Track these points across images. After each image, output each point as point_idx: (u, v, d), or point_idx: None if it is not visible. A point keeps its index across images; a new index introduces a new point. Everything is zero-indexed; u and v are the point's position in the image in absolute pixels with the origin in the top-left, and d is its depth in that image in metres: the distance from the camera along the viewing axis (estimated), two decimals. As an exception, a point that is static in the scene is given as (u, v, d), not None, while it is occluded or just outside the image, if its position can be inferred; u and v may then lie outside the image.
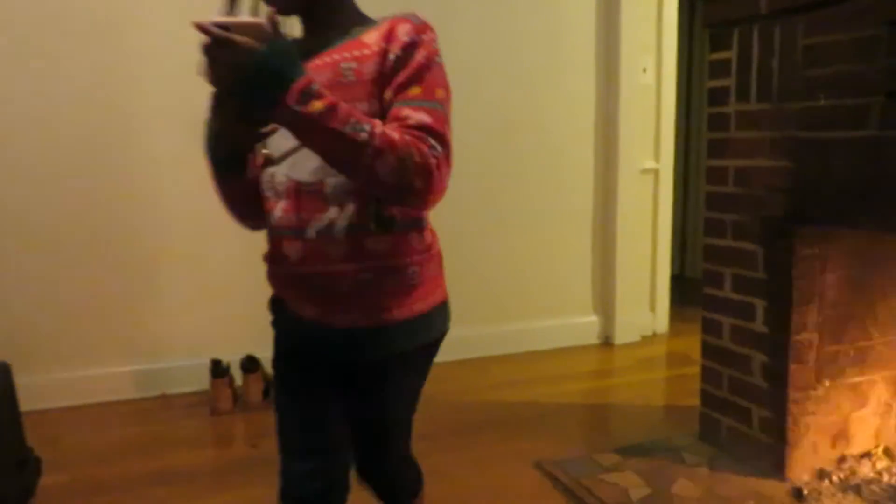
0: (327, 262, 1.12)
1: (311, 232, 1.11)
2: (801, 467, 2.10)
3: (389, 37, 1.09)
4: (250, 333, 2.98)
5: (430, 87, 1.09)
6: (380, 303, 1.16)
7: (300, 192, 1.12)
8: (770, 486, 2.06)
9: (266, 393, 2.87)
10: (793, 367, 2.07)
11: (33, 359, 2.68)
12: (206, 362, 2.82)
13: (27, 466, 2.17)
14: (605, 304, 3.72)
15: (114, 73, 2.75)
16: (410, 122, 1.05)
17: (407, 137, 1.02)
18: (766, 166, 2.12)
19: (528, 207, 3.50)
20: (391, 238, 1.14)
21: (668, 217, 3.86)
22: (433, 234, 1.27)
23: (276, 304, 1.30)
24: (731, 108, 2.23)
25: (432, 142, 1.05)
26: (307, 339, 1.24)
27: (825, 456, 2.13)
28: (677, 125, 3.90)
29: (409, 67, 1.08)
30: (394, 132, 1.02)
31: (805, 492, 2.00)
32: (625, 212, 3.65)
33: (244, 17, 0.95)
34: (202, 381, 2.85)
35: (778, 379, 2.10)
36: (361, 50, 1.10)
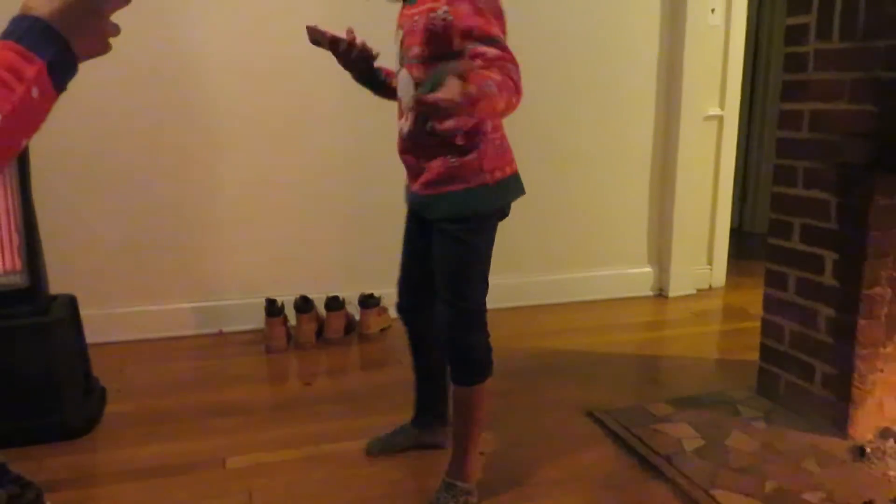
0: (404, 151, 1.70)
1: (401, 131, 1.69)
2: (864, 425, 2.03)
3: None
4: (304, 274, 3.03)
5: (487, 28, 1.47)
6: (430, 181, 1.64)
7: (399, 104, 1.71)
8: (830, 443, 2.00)
9: (319, 333, 2.92)
10: (862, 322, 1.98)
11: (99, 293, 2.78)
12: (262, 301, 2.88)
13: (93, 395, 2.27)
14: (660, 255, 3.63)
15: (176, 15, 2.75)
16: (489, 55, 1.43)
17: (499, 77, 1.39)
18: (846, 110, 1.99)
19: (585, 154, 3.41)
20: (437, 141, 1.58)
21: (730, 167, 3.70)
22: (484, 136, 1.64)
23: None
24: (811, 46, 2.09)
25: (510, 66, 1.44)
26: (408, 201, 1.81)
27: (891, 415, 2.05)
28: (744, 68, 3.71)
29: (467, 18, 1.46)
30: (495, 74, 1.38)
31: (868, 450, 1.94)
32: (685, 160, 3.51)
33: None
34: (258, 320, 2.91)
35: (845, 334, 2.02)
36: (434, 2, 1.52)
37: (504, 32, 1.51)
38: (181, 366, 2.71)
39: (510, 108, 1.43)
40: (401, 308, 1.94)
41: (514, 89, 1.41)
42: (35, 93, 0.68)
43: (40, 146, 1.64)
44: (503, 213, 1.75)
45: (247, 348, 2.87)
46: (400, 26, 1.66)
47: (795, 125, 2.17)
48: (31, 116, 0.69)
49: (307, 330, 2.88)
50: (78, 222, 2.79)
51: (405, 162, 1.71)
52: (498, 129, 1.69)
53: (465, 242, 1.66)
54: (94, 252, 2.83)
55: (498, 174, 1.67)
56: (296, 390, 2.53)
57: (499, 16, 1.51)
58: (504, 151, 1.72)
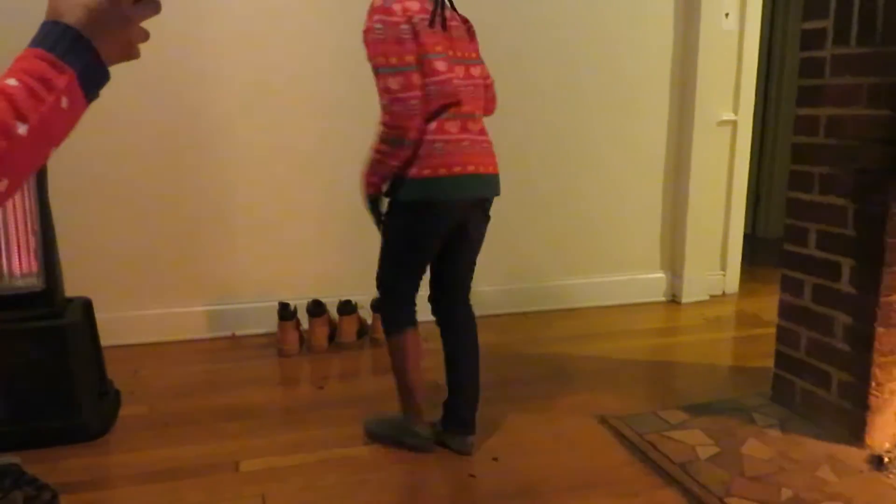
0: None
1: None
2: (882, 435, 2.01)
3: None
4: (317, 278, 3.04)
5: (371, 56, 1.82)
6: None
7: None
8: (847, 452, 1.98)
9: (331, 338, 2.93)
10: (880, 330, 1.96)
11: (113, 296, 2.80)
12: (275, 305, 2.88)
13: (108, 397, 2.29)
14: (673, 261, 3.61)
15: (188, 26, 2.77)
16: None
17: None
18: (863, 115, 1.97)
19: (598, 160, 3.40)
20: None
21: (744, 172, 3.68)
22: (420, 138, 1.85)
23: None
24: (827, 51, 2.07)
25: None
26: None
27: (909, 424, 2.03)
28: (759, 72, 3.69)
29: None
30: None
31: (886, 459, 1.91)
32: (699, 165, 3.50)
33: None
34: (271, 324, 2.92)
35: (862, 342, 2.00)
36: None
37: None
38: (194, 369, 2.72)
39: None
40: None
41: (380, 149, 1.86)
42: (65, 103, 0.68)
43: (57, 150, 1.65)
44: (425, 205, 1.90)
45: (260, 352, 2.88)
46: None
47: (812, 130, 2.16)
48: (60, 126, 0.69)
49: (320, 334, 2.88)
50: (93, 225, 2.81)
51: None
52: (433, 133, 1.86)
53: (384, 224, 1.98)
54: (109, 255, 2.85)
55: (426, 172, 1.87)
56: (309, 394, 2.53)
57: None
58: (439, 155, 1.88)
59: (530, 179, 3.30)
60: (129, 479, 1.94)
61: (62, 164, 2.24)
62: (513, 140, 3.24)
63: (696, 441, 2.07)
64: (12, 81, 0.66)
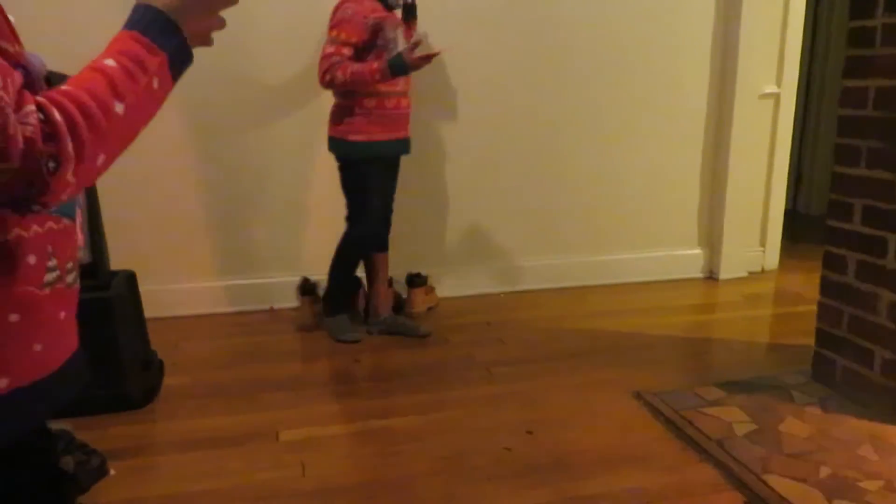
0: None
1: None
2: (926, 414, 1.97)
3: None
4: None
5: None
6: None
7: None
8: (889, 431, 1.95)
9: (367, 312, 2.96)
10: (927, 307, 1.92)
11: (156, 269, 2.86)
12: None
13: (152, 368, 2.35)
14: (711, 236, 3.55)
15: None
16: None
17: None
18: (915, 86, 1.91)
19: (636, 133, 3.35)
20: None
21: (786, 147, 3.59)
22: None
23: None
24: (878, 20, 2.00)
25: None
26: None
27: (955, 403, 1.99)
28: (804, 43, 3.57)
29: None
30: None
31: (930, 439, 1.88)
32: (739, 139, 3.42)
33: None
34: (306, 298, 2.96)
35: (908, 319, 1.95)
36: None
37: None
38: (234, 341, 2.78)
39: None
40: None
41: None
42: (156, 84, 0.71)
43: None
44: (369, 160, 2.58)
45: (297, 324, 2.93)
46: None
47: (860, 102, 2.09)
48: (151, 106, 0.73)
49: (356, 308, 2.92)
50: (137, 200, 2.87)
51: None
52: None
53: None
54: (152, 229, 2.91)
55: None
56: (346, 367, 2.57)
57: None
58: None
59: (567, 153, 3.27)
60: (172, 446, 2.01)
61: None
62: (549, 114, 3.21)
63: (733, 418, 2.05)
64: (110, 62, 0.68)
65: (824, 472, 1.77)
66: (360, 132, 2.53)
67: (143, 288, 2.37)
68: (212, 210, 2.97)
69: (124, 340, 2.19)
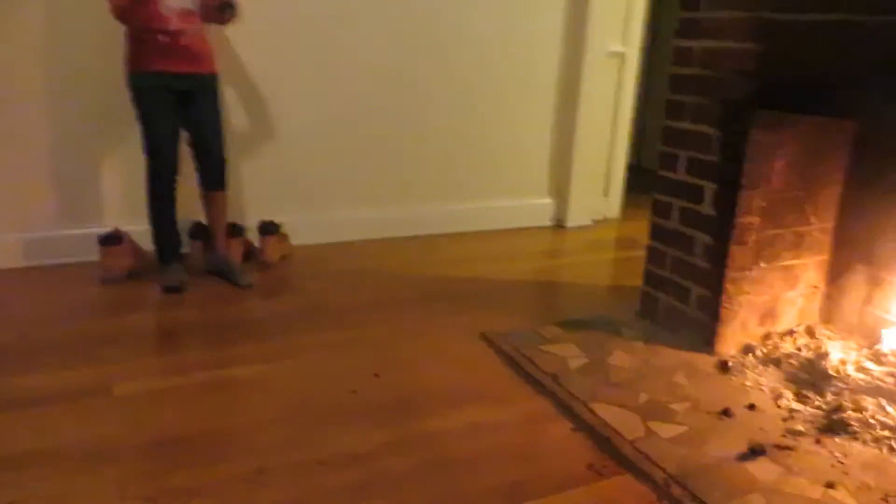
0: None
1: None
2: (729, 342, 2.21)
3: None
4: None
5: None
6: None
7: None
8: (699, 359, 2.18)
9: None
10: (733, 248, 2.13)
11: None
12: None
13: None
14: (560, 187, 3.73)
15: None
16: None
17: None
18: (733, 48, 2.08)
19: (490, 86, 3.41)
20: None
21: (629, 103, 3.81)
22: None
23: None
24: (703, -16, 2.15)
25: None
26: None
27: (753, 332, 2.25)
28: (648, 5, 3.77)
29: None
30: None
31: (730, 364, 2.12)
32: (588, 96, 3.59)
33: None
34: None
35: (718, 259, 2.17)
36: None
37: None
38: (64, 296, 2.58)
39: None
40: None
41: None
42: None
43: None
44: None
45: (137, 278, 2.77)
46: None
47: (687, 62, 2.25)
48: None
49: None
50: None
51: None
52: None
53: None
54: None
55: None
56: (191, 318, 2.47)
57: None
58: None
59: (424, 106, 3.28)
60: (-6, 405, 1.85)
61: None
62: (407, 66, 3.19)
63: (568, 353, 2.20)
64: None
65: (643, 398, 1.95)
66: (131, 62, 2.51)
67: None
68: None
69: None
